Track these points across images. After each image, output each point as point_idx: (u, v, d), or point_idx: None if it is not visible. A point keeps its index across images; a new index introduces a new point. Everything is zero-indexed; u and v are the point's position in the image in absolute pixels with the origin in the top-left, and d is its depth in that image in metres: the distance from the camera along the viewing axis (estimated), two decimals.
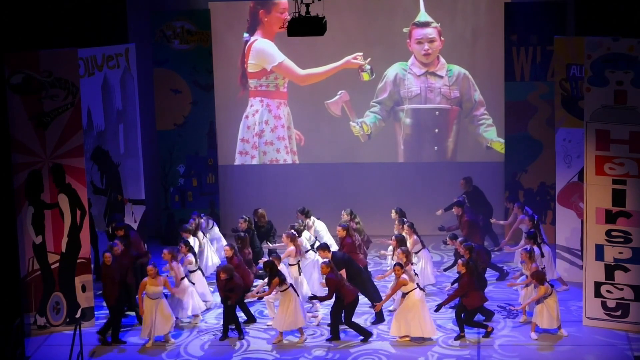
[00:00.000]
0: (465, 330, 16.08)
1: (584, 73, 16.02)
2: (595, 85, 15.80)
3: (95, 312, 16.97)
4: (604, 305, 16.19)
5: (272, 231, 18.71)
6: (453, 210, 18.64)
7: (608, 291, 16.13)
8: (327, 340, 16.17)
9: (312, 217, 18.65)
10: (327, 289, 16.22)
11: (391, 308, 16.84)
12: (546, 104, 19.38)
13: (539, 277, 15.88)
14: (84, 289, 16.78)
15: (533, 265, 16.24)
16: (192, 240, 17.78)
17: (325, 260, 16.25)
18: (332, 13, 17.76)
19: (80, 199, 16.66)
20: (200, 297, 17.00)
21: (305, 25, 15.59)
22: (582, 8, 18.34)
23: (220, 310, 16.88)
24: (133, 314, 16.97)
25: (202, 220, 18.71)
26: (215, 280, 16.59)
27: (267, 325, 16.67)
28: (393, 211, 18.40)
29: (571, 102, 17.80)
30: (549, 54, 19.10)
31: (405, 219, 17.93)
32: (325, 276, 16.10)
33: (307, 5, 15.60)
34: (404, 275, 15.89)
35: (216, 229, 19.12)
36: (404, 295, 15.91)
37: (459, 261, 16.13)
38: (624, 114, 15.67)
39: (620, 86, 15.63)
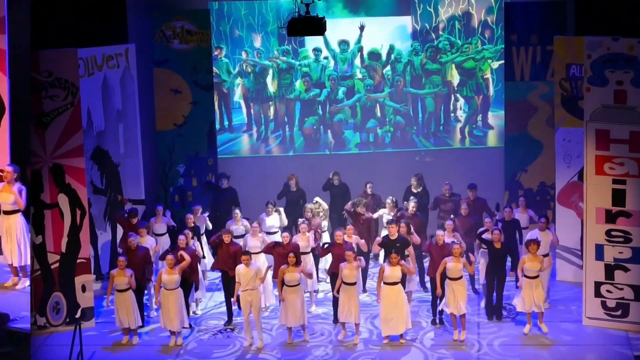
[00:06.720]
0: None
1: (583, 73, 16.02)
2: (595, 85, 15.80)
3: (95, 312, 17.00)
4: (604, 305, 16.20)
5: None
6: (469, 193, 18.58)
7: (608, 291, 16.14)
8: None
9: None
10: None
11: None
12: (546, 104, 19.38)
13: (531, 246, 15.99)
14: (84, 289, 16.78)
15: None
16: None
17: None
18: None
19: (80, 199, 16.65)
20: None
21: (305, 25, 15.59)
22: (582, 8, 18.35)
23: (218, 310, 16.92)
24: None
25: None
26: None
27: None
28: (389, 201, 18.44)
29: (571, 102, 17.81)
30: (549, 54, 19.10)
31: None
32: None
33: (307, 5, 15.61)
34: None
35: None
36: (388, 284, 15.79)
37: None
38: (624, 113, 15.67)
39: (620, 86, 15.63)
